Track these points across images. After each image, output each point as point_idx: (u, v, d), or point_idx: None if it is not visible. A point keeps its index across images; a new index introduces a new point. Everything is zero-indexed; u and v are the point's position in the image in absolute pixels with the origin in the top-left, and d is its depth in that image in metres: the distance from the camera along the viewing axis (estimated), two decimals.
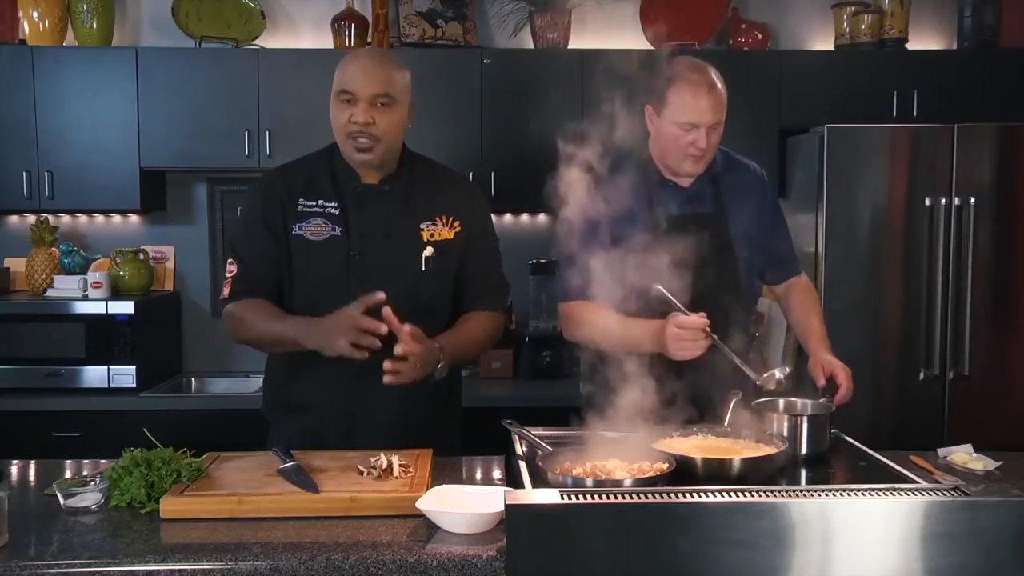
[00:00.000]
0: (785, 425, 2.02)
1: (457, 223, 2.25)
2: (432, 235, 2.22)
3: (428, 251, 2.21)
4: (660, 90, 2.29)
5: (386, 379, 2.01)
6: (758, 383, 2.09)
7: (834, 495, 1.60)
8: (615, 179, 2.30)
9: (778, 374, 2.12)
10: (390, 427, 2.18)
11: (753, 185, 2.45)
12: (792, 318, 2.51)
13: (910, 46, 3.96)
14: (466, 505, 1.71)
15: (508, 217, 4.10)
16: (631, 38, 4.04)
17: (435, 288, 2.23)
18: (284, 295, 2.24)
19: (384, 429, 2.17)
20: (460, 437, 2.37)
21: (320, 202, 2.21)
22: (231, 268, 2.24)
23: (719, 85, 2.26)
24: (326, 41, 3.94)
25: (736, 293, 2.33)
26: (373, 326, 1.98)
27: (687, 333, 2.08)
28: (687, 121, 2.24)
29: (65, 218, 4.03)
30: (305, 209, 2.21)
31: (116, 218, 4.07)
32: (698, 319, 2.08)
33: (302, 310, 2.20)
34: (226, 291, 2.23)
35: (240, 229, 2.31)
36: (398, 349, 2.00)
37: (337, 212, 2.20)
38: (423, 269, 2.20)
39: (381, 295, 2.00)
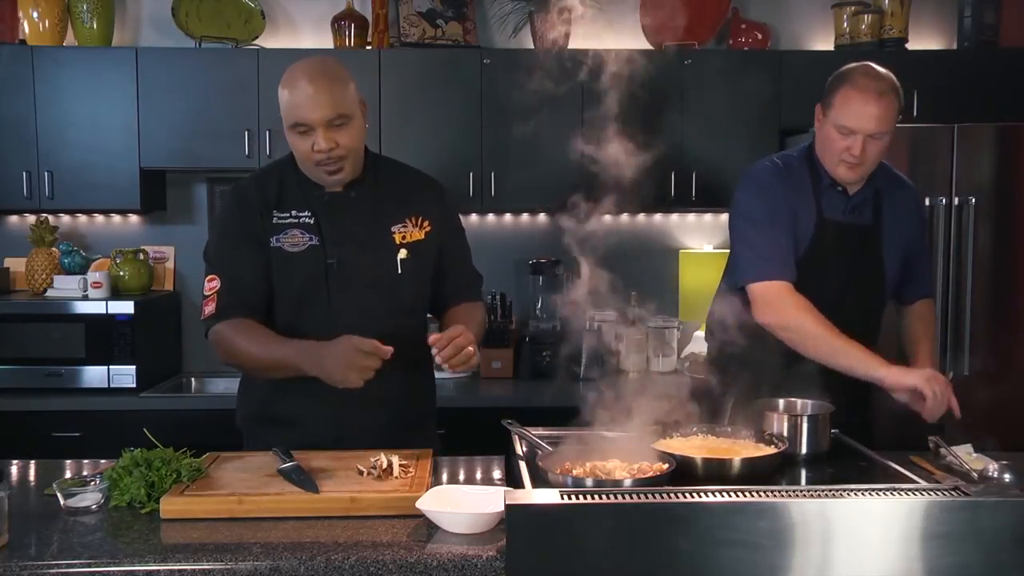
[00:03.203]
0: (785, 425, 2.02)
1: (427, 223, 2.24)
2: (404, 237, 2.21)
3: (402, 253, 2.20)
4: (829, 90, 2.28)
5: (449, 364, 2.01)
6: (975, 478, 2.02)
7: (834, 495, 1.60)
8: (793, 172, 2.34)
9: (991, 470, 2.02)
10: (378, 433, 2.15)
11: (910, 204, 2.45)
12: (905, 331, 2.50)
13: (910, 46, 3.96)
14: (466, 505, 1.71)
15: (508, 217, 4.10)
16: (631, 38, 4.04)
17: (413, 289, 2.22)
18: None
19: (372, 436, 2.14)
20: (439, 438, 2.36)
21: (293, 212, 2.17)
22: (212, 284, 2.15)
23: (891, 96, 2.23)
24: (326, 41, 3.94)
25: (876, 308, 2.36)
26: (381, 354, 1.93)
27: (940, 395, 2.09)
28: (845, 125, 2.22)
29: (65, 218, 4.03)
30: (280, 221, 2.16)
31: (116, 218, 4.07)
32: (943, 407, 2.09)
33: (283, 321, 2.16)
34: (209, 309, 2.14)
35: (218, 243, 2.20)
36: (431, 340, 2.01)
37: (312, 221, 2.16)
38: (399, 272, 2.19)
39: (389, 349, 1.94)
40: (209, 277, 2.17)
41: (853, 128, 2.22)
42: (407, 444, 2.10)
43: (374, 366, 1.93)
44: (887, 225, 2.38)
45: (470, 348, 2.02)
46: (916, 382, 2.10)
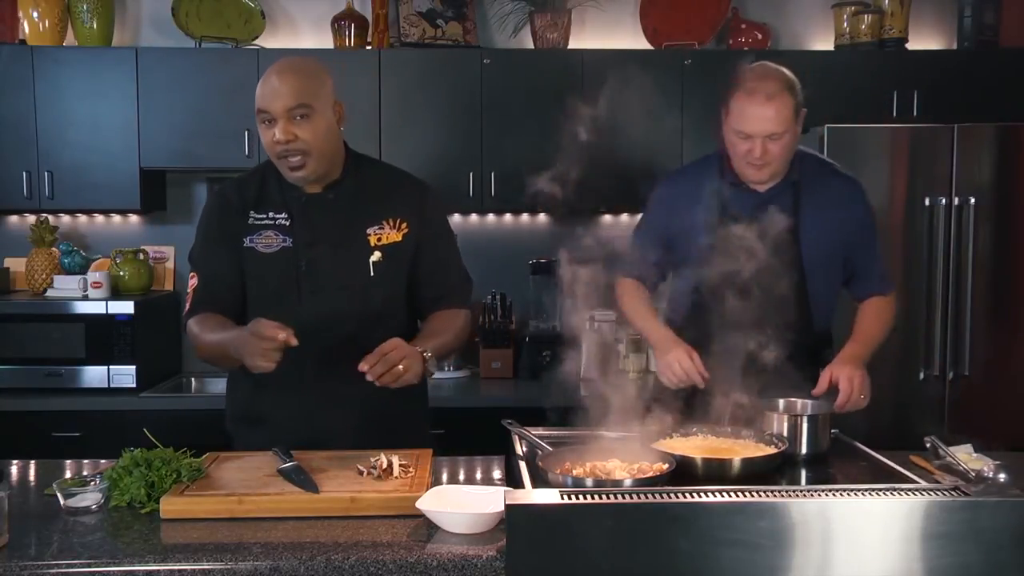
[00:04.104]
0: (785, 425, 2.02)
1: (405, 224, 2.21)
2: (379, 239, 2.19)
3: (376, 256, 2.17)
4: (727, 96, 2.29)
5: (380, 381, 1.95)
6: (975, 478, 2.00)
7: (834, 495, 1.60)
8: (696, 175, 2.38)
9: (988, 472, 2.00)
10: (353, 434, 2.13)
11: (842, 197, 2.39)
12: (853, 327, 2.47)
13: (910, 46, 3.96)
14: (466, 505, 1.71)
15: (508, 217, 4.10)
16: (631, 38, 4.04)
17: (385, 293, 2.19)
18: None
19: (344, 438, 2.12)
20: (433, 439, 2.30)
21: (270, 214, 2.18)
22: (192, 282, 2.21)
23: (784, 94, 2.22)
24: (326, 41, 3.94)
25: (799, 307, 2.32)
26: (275, 336, 1.89)
27: (678, 370, 2.24)
28: (741, 131, 2.24)
29: (65, 218, 4.03)
30: (256, 221, 2.18)
31: (116, 218, 4.07)
32: (698, 376, 2.20)
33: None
34: (188, 306, 2.20)
35: (199, 242, 2.25)
36: (362, 367, 1.94)
37: (287, 223, 2.17)
38: (371, 275, 2.17)
39: (283, 339, 1.88)
40: (191, 275, 2.23)
41: (749, 132, 2.23)
42: (392, 446, 2.06)
43: (271, 347, 1.89)
44: (807, 219, 2.33)
45: (399, 367, 1.94)
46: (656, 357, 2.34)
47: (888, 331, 2.46)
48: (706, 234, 2.31)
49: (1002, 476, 1.96)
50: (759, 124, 2.21)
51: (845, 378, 2.19)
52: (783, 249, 2.31)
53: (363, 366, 1.93)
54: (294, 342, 1.89)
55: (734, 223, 2.29)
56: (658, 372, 2.28)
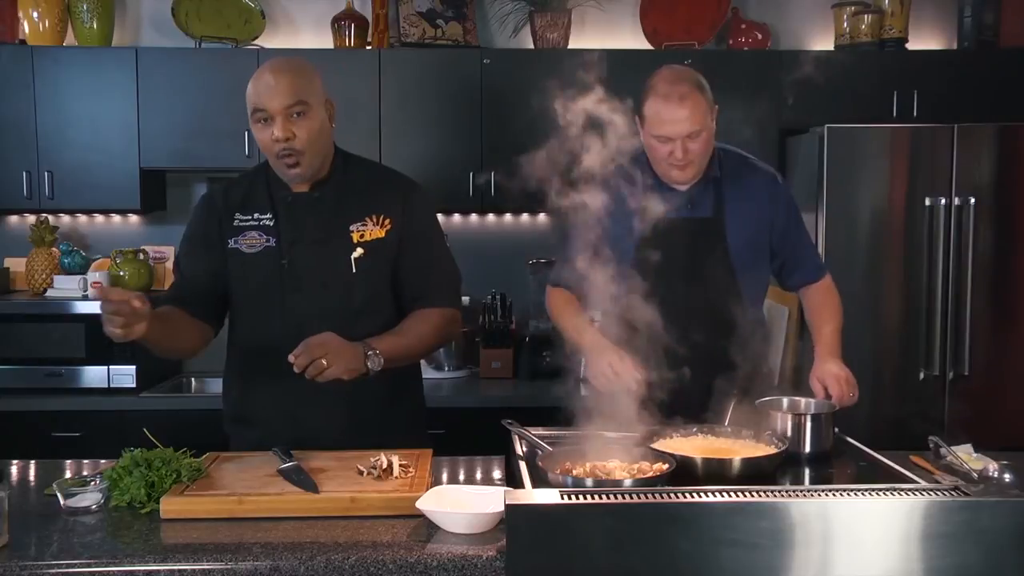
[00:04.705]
0: (788, 424, 2.02)
1: (388, 221, 2.20)
2: (362, 236, 2.18)
3: (357, 252, 2.17)
4: (641, 103, 2.30)
5: (307, 374, 1.95)
6: (975, 478, 1.99)
7: (834, 495, 1.60)
8: (612, 176, 2.35)
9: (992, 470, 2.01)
10: (339, 434, 2.13)
11: (761, 190, 2.40)
12: (808, 321, 2.48)
13: (910, 46, 3.96)
14: (466, 505, 1.71)
15: (508, 217, 4.10)
16: (631, 38, 4.04)
17: (368, 289, 2.19)
18: (229, 308, 2.25)
19: (332, 437, 2.11)
20: (429, 438, 2.28)
21: (255, 215, 2.20)
22: (172, 280, 2.29)
23: (695, 94, 2.23)
24: (326, 41, 3.94)
25: (732, 301, 2.31)
26: (110, 299, 1.86)
27: (610, 373, 2.12)
28: (660, 134, 2.26)
29: (65, 218, 4.03)
30: (241, 223, 2.20)
31: (116, 218, 4.07)
32: (631, 379, 2.08)
33: (242, 322, 2.22)
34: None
35: (181, 244, 2.31)
36: (291, 358, 1.95)
37: (272, 223, 2.18)
38: (353, 271, 2.16)
39: (116, 299, 1.86)
40: (173, 272, 2.31)
41: (669, 135, 2.24)
42: (385, 445, 2.05)
43: (110, 310, 1.85)
44: (731, 214, 2.35)
45: (322, 361, 1.94)
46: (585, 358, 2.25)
47: (842, 310, 2.46)
48: (633, 237, 2.31)
49: (1007, 476, 1.95)
50: (676, 126, 2.23)
51: (832, 380, 2.21)
52: (710, 245, 2.34)
53: (291, 357, 1.95)
54: (137, 304, 1.86)
55: (660, 224, 2.29)
56: (589, 377, 2.20)
